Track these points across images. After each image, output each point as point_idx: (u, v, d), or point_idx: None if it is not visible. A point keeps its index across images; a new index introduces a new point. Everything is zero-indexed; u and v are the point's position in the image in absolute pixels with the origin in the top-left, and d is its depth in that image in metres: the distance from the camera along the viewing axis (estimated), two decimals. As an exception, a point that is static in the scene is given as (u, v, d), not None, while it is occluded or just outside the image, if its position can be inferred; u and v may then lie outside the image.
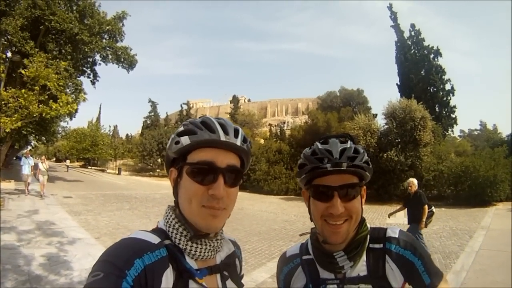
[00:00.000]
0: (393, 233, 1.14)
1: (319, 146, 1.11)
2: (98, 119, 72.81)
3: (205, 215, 0.88)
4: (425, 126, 18.28)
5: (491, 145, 23.17)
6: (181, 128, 0.94)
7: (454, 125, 26.63)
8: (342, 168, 1.03)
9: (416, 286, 1.09)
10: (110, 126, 67.76)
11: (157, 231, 0.94)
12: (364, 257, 1.11)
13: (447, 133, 25.84)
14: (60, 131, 26.34)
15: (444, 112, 26.06)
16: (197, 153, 0.90)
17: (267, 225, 11.26)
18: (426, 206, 6.84)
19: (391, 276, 1.08)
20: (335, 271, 1.10)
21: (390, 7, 28.74)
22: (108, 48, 22.70)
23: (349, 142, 1.11)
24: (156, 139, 42.06)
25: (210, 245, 0.93)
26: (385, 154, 17.97)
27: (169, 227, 0.92)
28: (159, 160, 43.61)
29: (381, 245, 1.12)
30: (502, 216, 13.12)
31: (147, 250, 0.81)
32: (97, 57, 23.35)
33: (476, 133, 47.26)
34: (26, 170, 15.31)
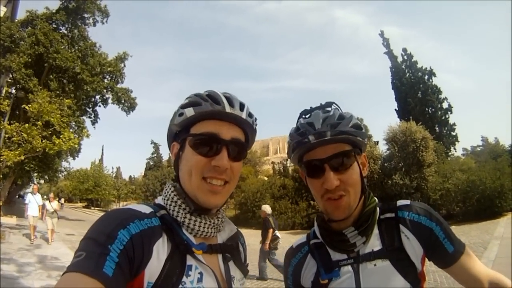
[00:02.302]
0: (404, 201, 1.08)
1: (302, 120, 1.06)
2: (101, 160, 72.96)
3: (206, 190, 0.85)
4: (427, 146, 18.30)
5: (494, 157, 23.06)
6: (186, 101, 0.92)
7: (456, 143, 26.61)
8: (326, 138, 0.96)
9: (438, 257, 1.02)
10: (113, 168, 68.05)
11: (153, 205, 0.89)
12: (376, 230, 1.03)
13: (449, 152, 25.75)
14: (63, 171, 26.32)
15: (444, 131, 26.10)
16: (201, 125, 0.88)
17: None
18: (271, 230, 7.78)
19: (408, 247, 1.00)
20: (347, 250, 1.02)
21: (382, 34, 29.56)
22: (109, 89, 23.13)
23: (332, 109, 1.05)
24: (159, 180, 42.03)
25: (210, 222, 0.89)
26: (390, 180, 17.94)
27: (167, 200, 0.89)
28: (163, 201, 43.57)
29: (393, 214, 1.05)
30: None
31: (134, 219, 0.77)
32: (97, 97, 23.76)
33: (479, 149, 46.95)
34: (33, 210, 11.90)
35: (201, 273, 0.81)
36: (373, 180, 18.50)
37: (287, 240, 16.73)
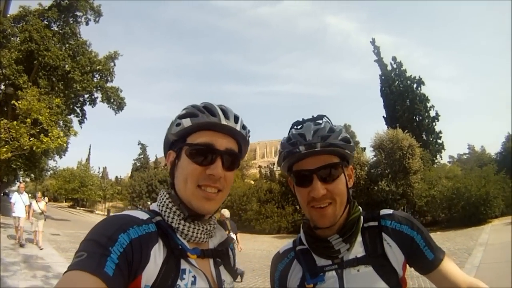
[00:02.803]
0: (387, 210, 1.13)
1: (294, 131, 1.09)
2: (88, 160, 71.92)
3: (200, 197, 0.89)
4: (413, 153, 18.49)
5: (480, 165, 23.43)
6: (183, 112, 0.96)
7: (442, 151, 26.91)
8: (316, 150, 1.01)
9: (418, 263, 1.06)
10: (99, 168, 67.18)
11: (149, 211, 0.93)
12: (360, 238, 1.08)
13: (435, 159, 26.06)
14: (50, 169, 25.95)
15: (431, 139, 26.36)
16: (197, 135, 0.92)
17: (260, 262, 11.13)
18: (227, 232, 7.55)
19: (390, 254, 1.04)
20: (332, 256, 1.06)
21: (373, 42, 29.75)
22: (98, 88, 22.95)
23: (323, 122, 1.09)
24: (146, 181, 41.45)
25: (203, 228, 0.93)
26: (376, 186, 18.06)
27: (162, 206, 0.93)
28: (148, 202, 42.80)
29: (376, 223, 1.09)
30: (500, 230, 13.04)
31: (133, 224, 0.80)
32: (86, 97, 23.54)
33: (465, 157, 47.60)
34: (19, 210, 10.89)
35: (194, 277, 0.85)
36: (359, 186, 18.57)
37: (273, 244, 16.95)
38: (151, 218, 0.86)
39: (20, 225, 10.88)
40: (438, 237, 13.39)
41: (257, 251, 14.28)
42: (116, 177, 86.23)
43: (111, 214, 0.85)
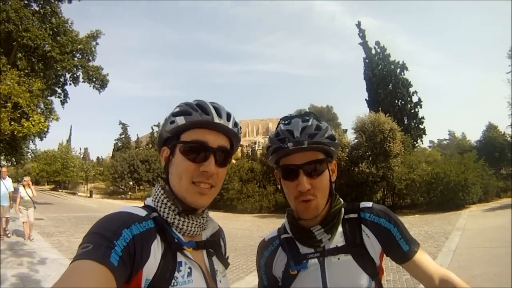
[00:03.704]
0: (366, 204, 1.20)
1: (282, 127, 1.15)
2: (69, 141, 70.64)
3: (194, 192, 0.94)
4: (394, 137, 18.66)
5: (460, 152, 24.05)
6: (177, 109, 0.99)
7: (423, 136, 27.48)
8: (303, 146, 1.07)
9: (394, 254, 1.15)
10: (80, 149, 66.07)
11: (144, 207, 0.97)
12: (340, 229, 1.15)
13: (416, 144, 26.54)
14: (30, 153, 25.38)
15: (412, 124, 26.89)
16: (190, 133, 0.95)
17: (243, 242, 11.25)
18: None
19: (368, 245, 1.13)
20: (314, 245, 1.14)
21: (358, 25, 29.74)
22: (79, 67, 22.34)
23: (311, 119, 1.15)
24: (127, 161, 40.95)
25: (196, 221, 0.98)
26: (357, 167, 18.20)
27: (157, 202, 0.96)
28: (130, 182, 42.59)
29: (356, 215, 1.17)
30: (477, 216, 13.43)
31: (135, 221, 0.84)
32: (68, 76, 22.93)
33: (445, 143, 48.85)
34: (2, 199, 9.59)
35: (190, 268, 0.90)
36: (340, 167, 17.67)
37: (255, 223, 17.21)
38: (149, 214, 0.90)
39: (4, 216, 9.74)
40: (417, 220, 13.90)
41: (239, 230, 14.41)
42: (98, 157, 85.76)
43: (111, 212, 0.88)
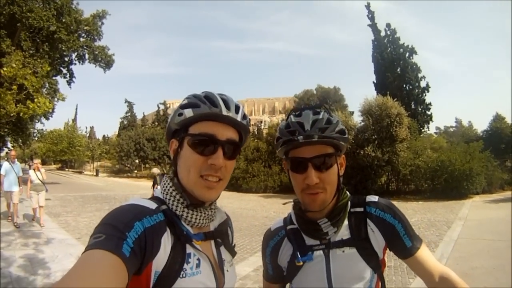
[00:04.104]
0: (373, 198, 1.21)
1: (293, 119, 1.14)
2: (75, 120, 70.96)
3: (202, 186, 0.93)
4: (401, 122, 18.53)
5: (466, 141, 23.89)
6: (185, 101, 0.98)
7: (430, 122, 27.12)
8: (313, 140, 1.06)
9: (397, 249, 1.16)
10: (86, 128, 66.42)
11: (153, 199, 0.97)
12: (346, 222, 1.17)
13: (423, 130, 26.30)
14: (36, 133, 25.58)
15: (420, 109, 26.51)
16: (198, 126, 0.95)
17: (247, 222, 11.30)
18: (155, 185, 9.41)
19: (373, 239, 1.14)
20: (320, 238, 1.15)
21: (368, 6, 28.98)
22: (85, 47, 22.25)
23: (322, 112, 1.14)
24: (133, 140, 41.34)
25: (205, 213, 0.98)
26: (362, 150, 18.16)
27: (166, 194, 0.97)
28: (136, 161, 43.02)
29: (362, 209, 1.18)
30: (479, 207, 13.41)
31: (146, 214, 0.84)
32: (74, 56, 22.89)
33: (451, 130, 48.48)
34: (11, 184, 9.13)
35: (198, 259, 0.91)
36: (346, 150, 18.48)
37: (260, 203, 17.28)
38: (159, 207, 0.91)
39: (14, 202, 9.11)
40: (420, 207, 13.94)
41: (243, 210, 14.44)
42: (104, 136, 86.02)
43: (123, 204, 0.89)
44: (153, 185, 9.60)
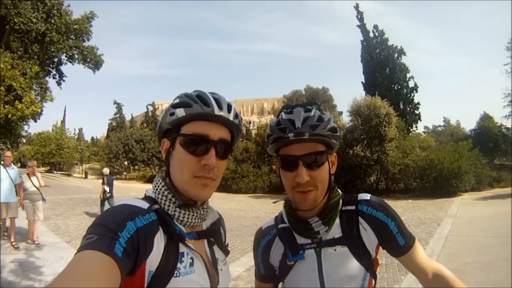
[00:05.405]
0: (365, 196, 1.19)
1: (283, 116, 1.12)
2: (63, 122, 70.15)
3: (196, 185, 0.92)
4: (390, 122, 18.65)
5: (455, 140, 24.27)
6: (176, 100, 0.96)
7: (418, 121, 27.46)
8: (304, 137, 1.04)
9: (390, 247, 1.15)
10: (75, 129, 65.69)
11: (145, 198, 0.96)
12: (338, 220, 1.15)
13: (411, 129, 26.63)
14: (25, 135, 25.24)
15: (408, 109, 26.84)
16: (190, 125, 0.93)
17: (237, 222, 11.25)
18: (103, 186, 11.19)
19: (365, 237, 1.13)
20: (311, 236, 1.13)
21: (357, 7, 29.16)
22: (74, 48, 22.06)
23: (313, 110, 1.12)
24: (122, 141, 40.75)
25: (197, 213, 0.97)
26: (351, 150, 18.22)
27: (158, 194, 0.95)
28: (125, 162, 42.58)
29: (354, 207, 1.16)
30: (468, 205, 13.59)
31: (138, 214, 0.83)
32: (63, 56, 22.67)
33: (440, 129, 49.15)
34: (7, 194, 7.14)
35: (192, 258, 0.91)
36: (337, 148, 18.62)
37: (250, 204, 17.22)
38: (151, 206, 0.90)
39: (11, 216, 7.34)
40: (410, 205, 14.05)
41: (233, 210, 14.34)
42: (92, 138, 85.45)
43: (115, 204, 0.89)
44: (102, 183, 11.24)
